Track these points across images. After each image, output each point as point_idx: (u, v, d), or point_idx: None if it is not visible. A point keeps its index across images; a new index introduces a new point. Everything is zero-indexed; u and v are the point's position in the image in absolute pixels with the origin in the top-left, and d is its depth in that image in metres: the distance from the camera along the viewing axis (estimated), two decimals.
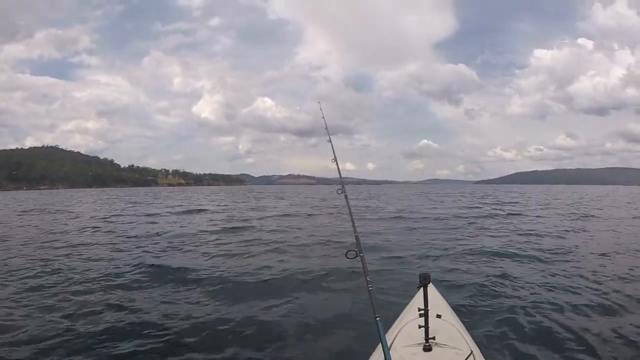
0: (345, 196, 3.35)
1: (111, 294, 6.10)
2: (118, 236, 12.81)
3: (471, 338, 2.90)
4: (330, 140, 3.99)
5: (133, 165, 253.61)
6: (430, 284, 2.75)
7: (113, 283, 6.72)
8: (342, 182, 3.40)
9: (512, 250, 9.22)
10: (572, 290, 6.06)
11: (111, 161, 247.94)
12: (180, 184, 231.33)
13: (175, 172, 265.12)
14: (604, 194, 53.61)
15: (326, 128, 4.22)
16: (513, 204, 28.44)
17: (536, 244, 10.33)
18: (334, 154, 3.81)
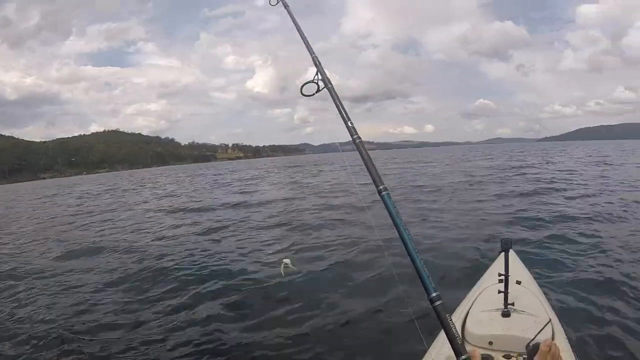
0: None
1: None
2: None
3: (550, 306, 2.88)
4: None
5: (193, 142, 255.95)
6: (511, 249, 2.83)
7: None
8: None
9: None
10: None
11: (172, 140, 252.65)
12: (239, 157, 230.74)
13: (234, 146, 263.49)
14: None
15: None
16: None
17: None
18: None
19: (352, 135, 2.09)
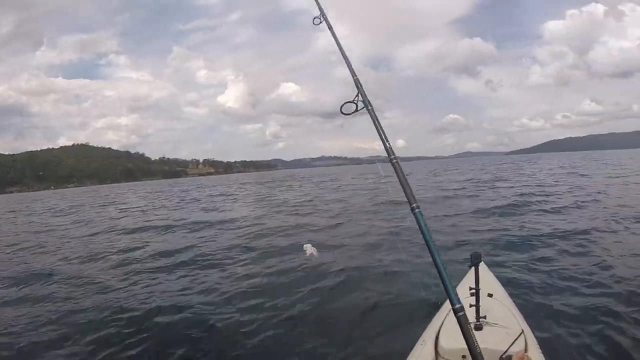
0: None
1: None
2: None
3: (522, 317, 2.94)
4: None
5: (164, 158, 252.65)
6: (482, 263, 2.81)
7: None
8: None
9: None
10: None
11: (142, 155, 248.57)
12: (209, 173, 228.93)
13: (205, 162, 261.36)
14: None
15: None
16: None
17: None
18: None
19: (389, 155, 2.20)
